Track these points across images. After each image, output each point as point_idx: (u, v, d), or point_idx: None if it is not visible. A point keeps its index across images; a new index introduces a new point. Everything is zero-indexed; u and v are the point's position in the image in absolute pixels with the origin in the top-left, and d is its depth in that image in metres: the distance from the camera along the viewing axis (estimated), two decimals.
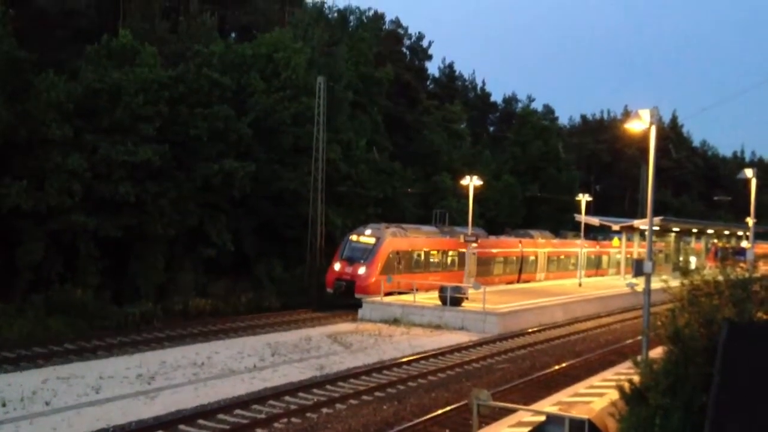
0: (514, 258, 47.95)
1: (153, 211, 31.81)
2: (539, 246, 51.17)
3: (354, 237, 36.42)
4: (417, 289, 33.60)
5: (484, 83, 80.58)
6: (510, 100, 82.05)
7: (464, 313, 31.27)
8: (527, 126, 69.64)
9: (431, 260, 39.69)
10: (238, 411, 17.46)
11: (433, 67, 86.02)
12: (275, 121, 38.04)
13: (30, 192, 27.59)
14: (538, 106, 79.70)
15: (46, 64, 30.43)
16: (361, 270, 34.77)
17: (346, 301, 34.20)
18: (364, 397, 19.34)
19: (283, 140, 38.53)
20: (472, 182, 41.03)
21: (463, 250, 41.18)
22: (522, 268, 48.57)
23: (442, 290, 32.32)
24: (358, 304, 33.12)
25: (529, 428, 12.78)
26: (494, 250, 45.95)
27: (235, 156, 35.39)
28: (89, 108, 31.22)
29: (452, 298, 31.86)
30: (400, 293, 34.36)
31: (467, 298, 32.53)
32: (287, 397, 18.88)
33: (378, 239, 35.75)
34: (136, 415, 16.37)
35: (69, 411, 16.30)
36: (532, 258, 49.88)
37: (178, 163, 33.43)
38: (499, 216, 58.93)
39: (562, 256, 53.99)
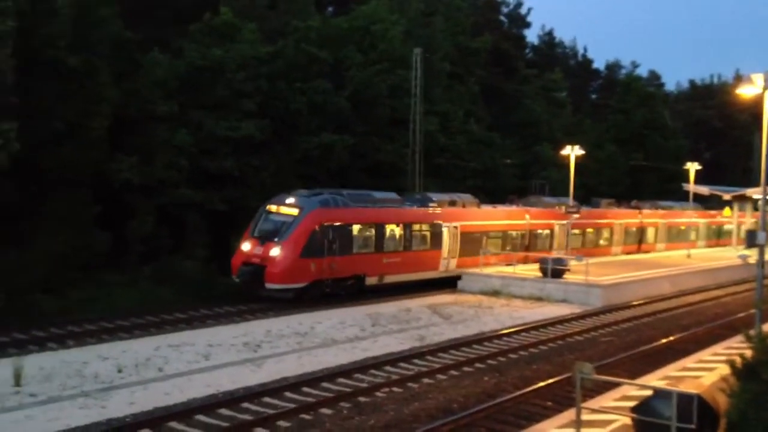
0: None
1: (255, 184, 32.56)
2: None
3: (272, 207, 27.30)
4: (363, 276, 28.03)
5: (585, 50, 78.78)
6: (613, 67, 79.62)
7: (566, 285, 30.68)
8: (631, 93, 67.34)
9: (390, 238, 29.85)
10: (340, 379, 17.74)
11: (532, 35, 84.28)
12: (372, 93, 38.12)
13: (140, 167, 28.68)
14: (642, 72, 77.09)
15: (150, 43, 31.44)
16: (274, 251, 25.62)
17: (254, 291, 25.87)
18: (465, 369, 19.29)
19: (380, 113, 38.60)
20: (573, 152, 40.08)
21: (439, 222, 32.06)
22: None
23: (542, 262, 31.77)
24: (272, 298, 25.81)
25: (635, 403, 12.43)
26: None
27: (333, 129, 35.72)
28: (193, 85, 32.10)
29: (554, 270, 31.31)
30: (335, 281, 27.10)
31: (569, 270, 31.89)
32: (388, 367, 19.05)
33: (301, 210, 26.63)
34: (244, 382, 16.88)
35: (180, 377, 16.95)
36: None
37: (278, 137, 34.03)
38: (601, 186, 57.47)
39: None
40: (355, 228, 28.21)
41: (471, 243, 33.36)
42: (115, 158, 28.33)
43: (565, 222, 40.50)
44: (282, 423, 14.73)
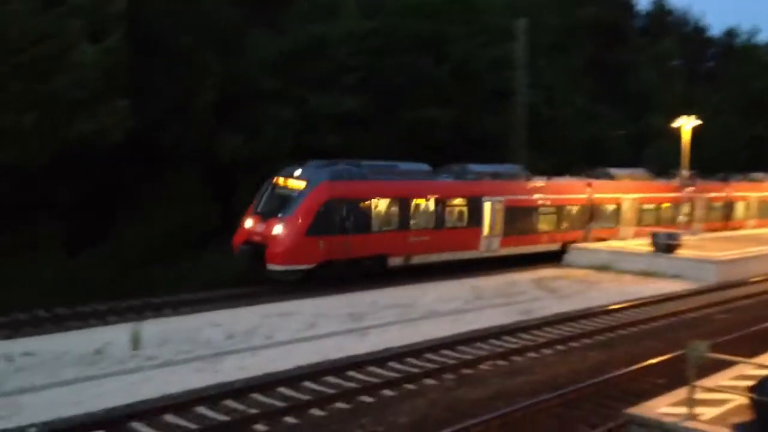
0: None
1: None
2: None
3: (279, 180, 24.78)
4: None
5: (700, 17, 74.81)
6: (730, 34, 75.58)
7: (679, 261, 29.52)
8: (749, 61, 63.83)
9: (417, 214, 26.69)
10: (444, 351, 17.72)
11: (642, 2, 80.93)
12: (474, 67, 37.60)
13: (245, 143, 29.34)
14: (763, 39, 72.86)
15: (255, 21, 31.99)
16: (277, 228, 23.11)
17: (257, 271, 23.57)
18: (571, 344, 18.91)
19: (483, 86, 38.06)
20: (686, 123, 38.42)
21: (479, 196, 28.61)
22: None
23: (655, 237, 30.68)
24: (274, 279, 23.41)
25: (752, 382, 11.83)
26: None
27: (435, 103, 35.48)
28: (296, 62, 32.50)
29: (666, 245, 30.20)
30: (350, 261, 24.32)
31: (681, 245, 30.69)
32: (492, 340, 18.88)
33: (308, 183, 23.86)
34: (348, 351, 17.10)
35: (287, 345, 17.33)
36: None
37: (380, 112, 34.09)
38: (719, 158, 54.80)
39: None
40: (375, 203, 25.16)
41: (519, 219, 30.04)
42: (222, 134, 29.08)
43: (636, 195, 36.31)
44: (386, 392, 14.83)
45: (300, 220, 23.23)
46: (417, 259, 26.52)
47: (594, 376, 15.99)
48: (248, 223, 24.14)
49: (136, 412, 12.89)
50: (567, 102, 43.56)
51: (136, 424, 12.55)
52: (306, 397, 14.26)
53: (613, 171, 36.98)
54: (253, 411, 13.42)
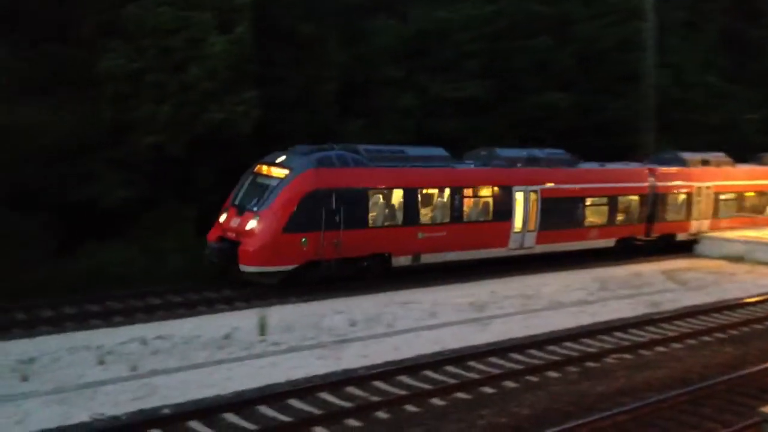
0: None
1: (477, 146, 32.43)
2: None
3: (263, 168, 21.67)
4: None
5: None
6: None
7: None
8: None
9: (428, 206, 23.47)
10: (567, 343, 17.35)
11: None
12: (599, 48, 36.37)
13: (367, 130, 29.58)
14: None
15: (377, 8, 32.13)
16: (251, 223, 20.29)
17: (231, 272, 20.64)
18: (703, 338, 18.13)
19: (608, 68, 36.78)
20: None
21: (509, 186, 24.81)
22: None
23: None
24: (252, 282, 20.57)
25: None
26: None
27: (557, 87, 34.61)
28: (419, 48, 32.42)
29: None
30: (341, 261, 21.10)
31: None
32: (617, 333, 18.35)
33: (290, 171, 20.85)
34: (469, 341, 17.02)
35: (408, 333, 17.44)
36: None
37: (502, 97, 33.58)
38: None
39: None
40: (373, 194, 21.90)
41: (560, 212, 26.06)
42: (344, 121, 29.44)
43: (713, 183, 31.55)
44: (508, 383, 14.68)
45: (277, 214, 20.06)
46: (429, 258, 23.11)
47: (726, 372, 15.29)
48: (223, 217, 21.20)
49: (264, 396, 13.29)
50: (698, 83, 41.47)
51: (263, 408, 12.92)
52: (427, 386, 14.30)
53: (684, 155, 32.06)
54: (375, 398, 13.58)
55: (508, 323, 18.66)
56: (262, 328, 16.83)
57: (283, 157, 21.41)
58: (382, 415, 12.96)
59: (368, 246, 21.68)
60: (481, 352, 16.25)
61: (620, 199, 28.35)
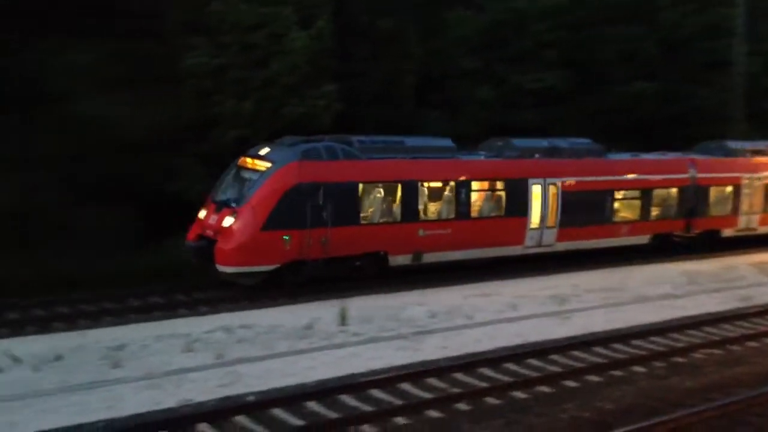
0: None
1: (556, 136, 31.92)
2: None
3: (248, 160, 20.28)
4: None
5: None
6: None
7: None
8: None
9: (430, 201, 21.67)
10: (653, 338, 16.91)
11: None
12: (684, 35, 35.25)
13: (445, 122, 29.44)
14: None
15: (453, 0, 31.93)
16: (228, 220, 18.99)
17: (211, 270, 19.19)
18: None
19: (694, 56, 35.61)
20: None
21: (524, 179, 22.94)
22: None
23: None
24: (230, 282, 19.38)
25: None
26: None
27: (641, 77, 33.71)
28: (495, 39, 32.10)
29: None
30: (330, 261, 19.66)
31: None
32: (706, 327, 17.80)
33: (272, 164, 19.43)
34: (550, 334, 16.77)
35: (488, 325, 17.30)
36: None
37: (582, 87, 32.93)
38: None
39: None
40: (365, 188, 20.37)
41: (584, 206, 24.07)
42: (422, 114, 29.38)
43: (764, 175, 28.76)
44: (591, 377, 14.41)
45: (255, 211, 18.74)
46: (431, 257, 21.48)
47: None
48: (203, 213, 20.03)
49: (345, 386, 13.40)
50: None
51: (345, 397, 13.03)
52: (508, 379, 14.15)
53: (731, 144, 29.46)
54: (456, 390, 13.51)
55: (591, 316, 18.30)
56: (343, 319, 16.98)
57: (267, 149, 20.01)
58: (462, 406, 12.87)
59: (360, 244, 20.17)
60: (562, 345, 15.99)
61: (655, 192, 26.18)
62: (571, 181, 23.94)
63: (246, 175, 19.71)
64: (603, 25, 33.31)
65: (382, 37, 27.40)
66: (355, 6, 26.78)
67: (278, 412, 12.25)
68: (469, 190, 21.99)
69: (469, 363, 14.72)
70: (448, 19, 31.19)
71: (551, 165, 23.85)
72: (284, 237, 18.89)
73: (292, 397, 12.78)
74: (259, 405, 12.39)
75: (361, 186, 20.23)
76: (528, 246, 23.30)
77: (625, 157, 26.38)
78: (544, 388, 13.80)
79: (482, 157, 23.21)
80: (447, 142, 22.50)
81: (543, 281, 21.94)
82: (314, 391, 13.08)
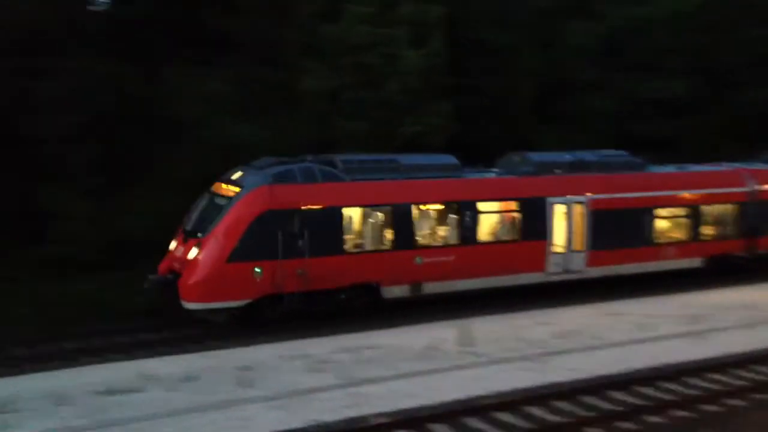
0: None
1: (683, 148, 30.55)
2: None
3: (221, 186, 18.68)
4: None
5: None
6: None
7: None
8: None
9: (430, 225, 19.97)
10: None
11: None
12: None
13: (564, 136, 28.76)
14: None
15: (570, 9, 31.24)
16: (193, 252, 17.54)
17: (174, 308, 17.81)
18: None
19: None
20: None
21: (542, 197, 20.87)
22: None
23: None
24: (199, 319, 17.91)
25: None
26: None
27: None
28: (614, 47, 31.18)
29: None
30: (309, 295, 18.05)
31: None
32: None
33: (241, 190, 17.94)
34: (685, 355, 15.97)
35: (617, 347, 16.63)
36: None
37: (710, 95, 31.46)
38: None
39: None
40: (349, 213, 18.67)
41: (621, 226, 21.78)
42: (540, 128, 28.86)
43: None
44: (731, 401, 13.62)
45: (220, 241, 17.24)
46: (433, 288, 19.60)
47: None
48: (173, 244, 18.55)
49: (470, 408, 13.17)
50: None
51: (469, 419, 12.81)
52: (641, 402, 13.57)
53: None
54: (585, 414, 13.06)
55: (730, 336, 17.33)
56: (466, 340, 16.75)
57: (239, 173, 18.52)
58: (592, 430, 12.43)
59: (346, 275, 18.40)
60: (699, 368, 15.20)
61: (706, 208, 23.45)
62: (602, 198, 21.67)
63: (216, 201, 18.20)
64: (733, 29, 31.79)
65: (496, 51, 27.15)
66: (469, 22, 26.66)
67: None
68: (475, 212, 20.01)
69: (600, 385, 14.22)
70: (564, 29, 30.59)
71: (575, 181, 21.65)
72: (255, 269, 17.38)
73: (417, 419, 12.66)
74: (384, 426, 12.34)
75: (344, 211, 18.48)
76: (551, 272, 21.16)
77: (670, 170, 24.02)
78: (681, 412, 13.17)
79: (492, 176, 21.29)
80: (450, 160, 20.56)
81: (674, 300, 21.02)
82: (438, 413, 12.92)
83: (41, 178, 20.41)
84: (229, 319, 17.79)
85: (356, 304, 18.89)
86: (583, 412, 13.14)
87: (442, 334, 17.39)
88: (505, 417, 12.96)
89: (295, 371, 14.97)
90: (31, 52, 21.15)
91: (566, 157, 22.15)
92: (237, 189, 17.94)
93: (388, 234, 19.08)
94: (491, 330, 17.81)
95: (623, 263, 22.03)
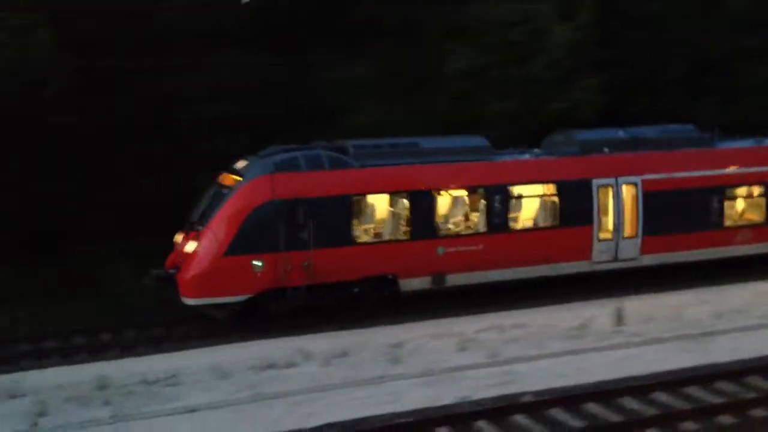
0: None
1: None
2: None
3: (227, 176, 17.81)
4: None
5: None
6: None
7: None
8: None
9: (454, 212, 18.86)
10: None
11: None
12: None
13: (723, 109, 27.11)
14: None
15: None
16: (191, 245, 16.87)
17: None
18: None
19: None
20: None
21: (587, 179, 19.07)
22: None
23: None
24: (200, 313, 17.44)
25: None
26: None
27: None
28: None
29: None
30: (316, 289, 17.07)
31: None
32: None
33: (241, 179, 17.16)
34: None
35: None
36: None
37: None
38: None
39: None
40: (361, 201, 17.90)
41: (682, 209, 19.75)
42: (695, 102, 27.33)
43: None
44: None
45: (217, 234, 16.55)
46: (458, 279, 18.32)
47: None
48: (179, 237, 17.75)
49: (625, 388, 12.79)
50: None
51: (626, 400, 12.44)
52: None
53: None
54: (751, 395, 12.40)
55: None
56: (619, 319, 16.29)
57: (244, 162, 17.72)
58: (758, 412, 11.80)
59: (357, 267, 17.39)
60: None
61: None
62: (658, 178, 19.69)
63: (219, 192, 17.40)
64: None
65: (648, 21, 25.96)
66: None
67: (555, 412, 11.99)
68: (506, 197, 18.53)
69: (765, 366, 13.42)
70: None
71: (626, 160, 19.74)
72: (255, 262, 16.60)
73: (570, 398, 12.44)
74: (536, 405, 12.21)
75: (353, 199, 17.54)
76: (598, 261, 19.42)
77: (747, 144, 21.37)
78: None
79: (527, 157, 19.47)
80: (479, 141, 19.04)
81: None
82: (592, 393, 12.63)
83: (196, 168, 21.43)
84: (229, 315, 17.20)
85: (371, 298, 17.90)
86: (748, 394, 12.47)
87: (593, 312, 16.99)
88: (664, 397, 12.50)
89: (443, 349, 15.08)
90: (184, 50, 22.30)
91: (618, 133, 20.23)
92: (239, 179, 17.23)
93: (405, 223, 18.01)
94: (646, 309, 17.21)
95: (686, 249, 20.01)
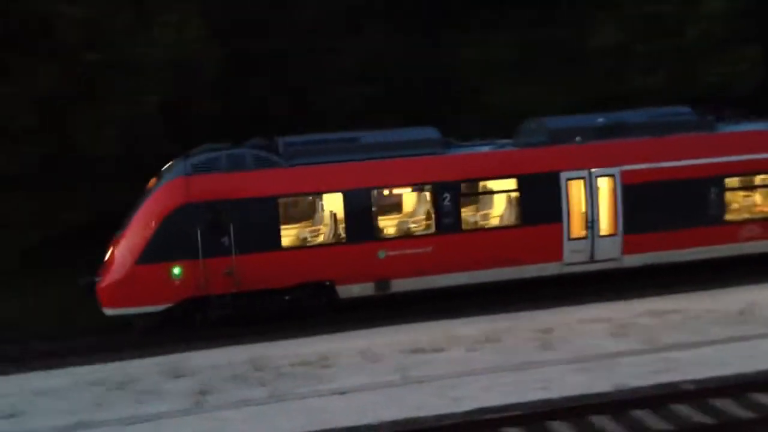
0: None
1: None
2: None
3: (153, 179, 16.96)
4: None
5: None
6: None
7: None
8: None
9: (398, 212, 17.80)
10: None
11: None
12: None
13: None
14: None
15: None
16: (109, 253, 16.18)
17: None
18: None
19: None
20: None
21: (555, 172, 17.19)
22: None
23: None
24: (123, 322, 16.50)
25: None
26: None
27: None
28: None
29: None
30: (242, 297, 16.20)
31: None
32: None
33: (158, 183, 16.30)
34: None
35: None
36: None
37: None
38: None
39: None
40: (288, 202, 16.83)
41: (670, 204, 17.64)
42: None
43: None
44: None
45: (129, 241, 15.85)
46: (404, 285, 17.07)
47: None
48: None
49: None
50: None
51: None
52: None
53: None
54: None
55: None
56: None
57: (170, 164, 16.85)
58: None
59: (287, 274, 16.43)
60: None
61: None
62: (643, 168, 17.62)
63: (142, 195, 16.70)
64: None
65: None
66: None
67: (719, 402, 11.34)
68: (458, 194, 17.11)
69: None
70: None
71: (601, 150, 17.73)
72: (173, 270, 15.91)
73: (734, 387, 11.74)
74: (697, 394, 11.59)
75: (280, 201, 16.50)
76: (570, 263, 17.67)
77: (753, 127, 18.73)
78: None
79: (485, 149, 17.77)
80: (430, 134, 17.53)
81: None
82: (758, 381, 11.86)
83: None
84: (149, 323, 16.60)
85: (306, 306, 16.94)
86: None
87: (756, 297, 16.10)
88: None
89: (596, 335, 14.66)
90: (322, 32, 22.41)
91: (595, 120, 18.16)
92: (157, 181, 16.62)
93: (340, 225, 16.83)
94: None
95: (676, 248, 18.02)
